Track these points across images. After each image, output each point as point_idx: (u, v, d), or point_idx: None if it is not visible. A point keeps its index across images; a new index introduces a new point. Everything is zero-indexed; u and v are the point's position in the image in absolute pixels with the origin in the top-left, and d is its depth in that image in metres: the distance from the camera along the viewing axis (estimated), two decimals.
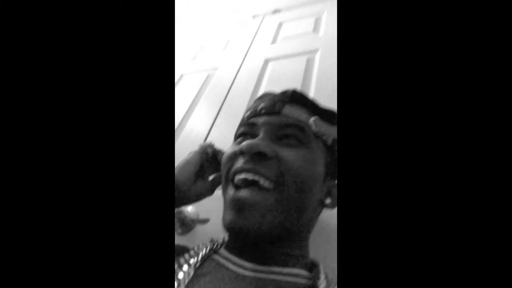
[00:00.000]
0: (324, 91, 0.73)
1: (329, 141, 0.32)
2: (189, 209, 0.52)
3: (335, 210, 0.36)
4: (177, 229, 0.51)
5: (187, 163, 0.36)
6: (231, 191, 0.29)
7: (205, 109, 0.85)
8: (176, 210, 0.48)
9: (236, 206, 0.27)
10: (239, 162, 0.29)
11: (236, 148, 0.31)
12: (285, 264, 0.28)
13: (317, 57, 0.84)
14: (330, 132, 0.33)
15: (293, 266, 0.29)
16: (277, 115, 0.32)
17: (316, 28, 0.96)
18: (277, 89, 0.85)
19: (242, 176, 0.28)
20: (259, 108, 0.33)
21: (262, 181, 0.27)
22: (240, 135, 0.34)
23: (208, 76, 0.97)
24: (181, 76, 1.04)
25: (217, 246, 0.31)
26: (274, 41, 1.00)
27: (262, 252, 0.29)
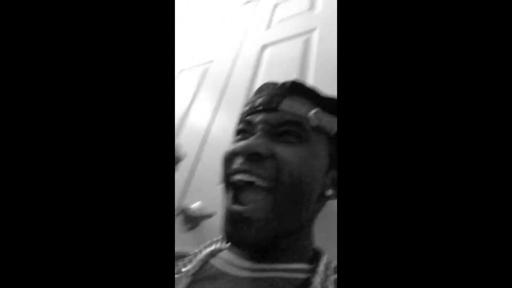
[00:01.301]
0: (324, 73, 0.70)
1: (332, 132, 0.31)
2: (195, 205, 0.53)
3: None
4: (185, 226, 0.52)
5: None
6: (228, 200, 0.29)
7: (205, 104, 0.84)
8: (181, 207, 0.49)
9: (231, 220, 0.27)
10: (236, 163, 0.29)
11: (232, 148, 0.30)
12: (286, 260, 0.28)
13: (315, 36, 0.80)
14: (333, 123, 0.31)
15: (295, 260, 0.28)
16: (275, 112, 0.30)
17: (312, 5, 0.91)
18: (276, 75, 0.83)
19: (238, 177, 0.28)
20: (257, 103, 0.32)
21: (258, 182, 0.27)
22: (239, 132, 0.33)
23: (205, 69, 0.96)
24: (181, 71, 1.04)
25: (217, 249, 0.31)
26: (269, 25, 0.96)
27: (263, 251, 0.28)
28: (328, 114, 0.31)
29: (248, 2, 1.15)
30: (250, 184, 0.28)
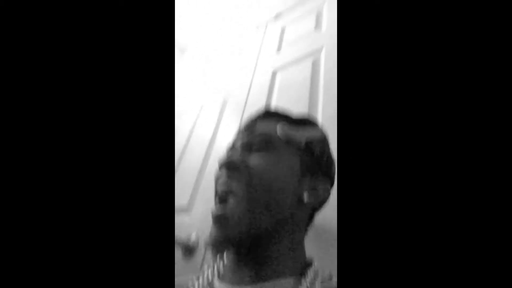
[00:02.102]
0: (332, 91, 0.71)
1: (302, 143, 0.35)
2: (193, 236, 0.59)
3: (335, 214, 0.36)
4: (183, 254, 0.59)
5: None
6: (214, 206, 0.34)
7: (228, 134, 0.90)
8: (179, 239, 0.55)
9: (214, 222, 0.32)
10: (218, 174, 0.35)
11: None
12: (274, 276, 0.30)
13: (322, 56, 0.82)
14: (301, 134, 0.36)
15: (283, 275, 0.30)
16: (250, 133, 0.37)
17: (318, 24, 0.93)
18: (287, 100, 0.85)
19: (219, 182, 0.34)
20: (239, 131, 0.39)
21: (234, 187, 0.32)
22: None
23: (224, 100, 1.02)
24: (202, 107, 1.12)
25: (212, 274, 0.34)
26: (279, 48, 1.00)
27: (252, 269, 0.31)
28: (295, 127, 0.36)
29: (258, 27, 1.20)
30: (230, 190, 0.32)
